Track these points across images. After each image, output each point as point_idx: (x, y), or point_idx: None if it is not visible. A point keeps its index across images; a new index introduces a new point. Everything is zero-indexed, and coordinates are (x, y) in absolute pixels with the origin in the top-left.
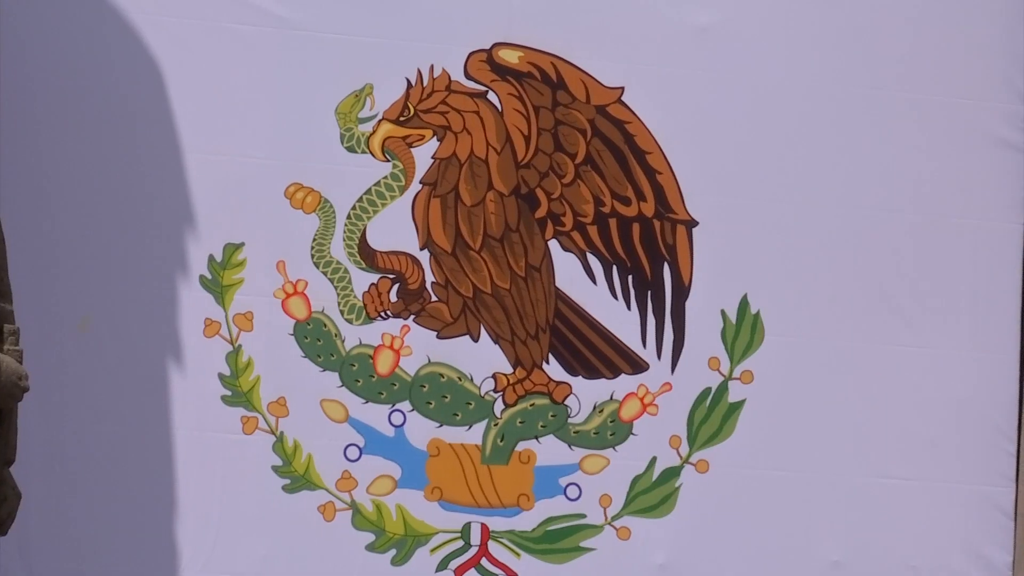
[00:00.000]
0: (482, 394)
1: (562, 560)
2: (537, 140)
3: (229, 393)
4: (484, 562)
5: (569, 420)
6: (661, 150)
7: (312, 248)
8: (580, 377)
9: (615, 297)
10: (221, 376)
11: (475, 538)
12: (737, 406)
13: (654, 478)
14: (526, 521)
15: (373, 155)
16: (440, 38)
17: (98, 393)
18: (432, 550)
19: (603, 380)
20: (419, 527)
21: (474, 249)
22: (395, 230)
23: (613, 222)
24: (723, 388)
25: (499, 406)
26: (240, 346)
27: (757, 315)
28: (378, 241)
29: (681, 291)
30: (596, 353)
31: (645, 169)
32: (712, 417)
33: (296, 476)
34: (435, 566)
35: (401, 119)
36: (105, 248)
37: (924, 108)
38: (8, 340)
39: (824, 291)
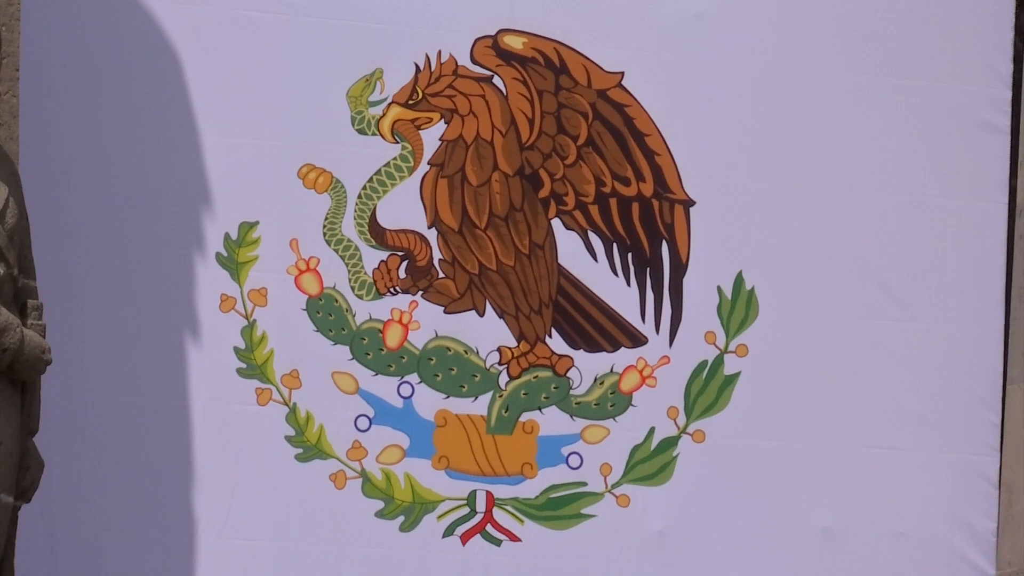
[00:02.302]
0: (487, 367)
1: (564, 526)
2: (541, 123)
3: (244, 366)
4: (489, 528)
5: (571, 392)
6: (659, 132)
7: (324, 226)
8: (581, 350)
9: (615, 274)
10: (236, 349)
11: (480, 505)
12: (732, 378)
13: (652, 448)
14: (529, 489)
15: (383, 137)
16: (447, 25)
17: (118, 366)
18: (439, 517)
19: (604, 353)
20: (426, 495)
21: (480, 228)
22: (404, 209)
23: (613, 202)
24: (719, 361)
25: (504, 378)
26: (255, 321)
27: (752, 291)
28: (388, 220)
29: (679, 268)
30: (597, 327)
31: (644, 151)
32: (708, 389)
33: (308, 446)
34: (442, 532)
35: (410, 102)
36: (125, 227)
37: (913, 93)
38: (32, 315)
39: (816, 268)
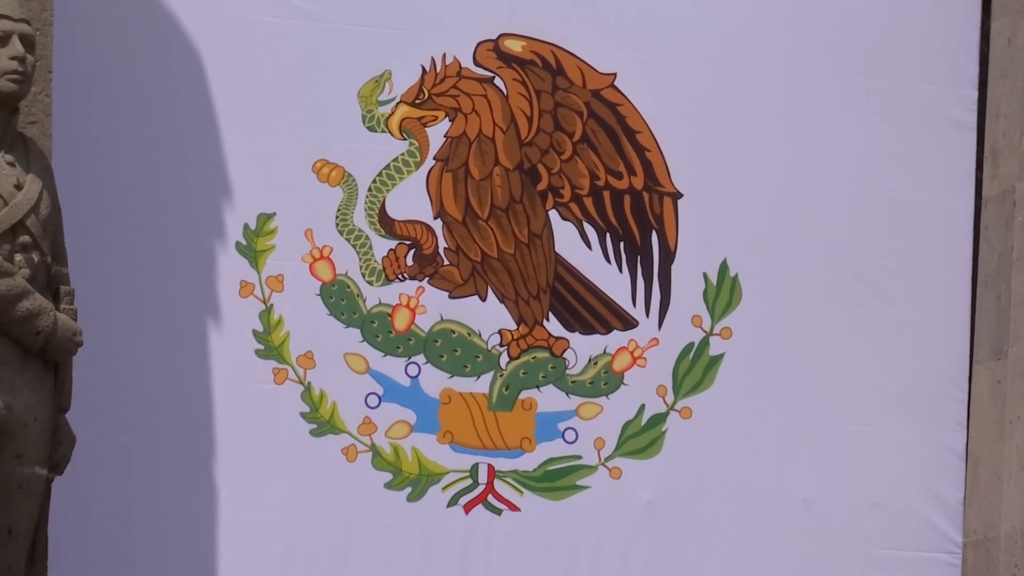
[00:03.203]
0: (489, 348)
1: (560, 497)
2: (539, 121)
3: (262, 347)
4: (490, 498)
5: (567, 371)
6: (649, 129)
7: (337, 217)
8: (577, 333)
9: (608, 261)
10: (255, 332)
11: (482, 477)
12: (717, 359)
13: (643, 423)
14: (528, 462)
15: (391, 134)
16: (451, 29)
17: (144, 348)
18: (444, 488)
19: (597, 335)
20: (432, 467)
21: (482, 218)
22: (411, 201)
23: (607, 194)
24: (705, 343)
25: (504, 359)
26: (272, 305)
27: (735, 278)
28: (396, 211)
29: (667, 256)
30: (591, 311)
31: (635, 146)
32: (695, 369)
33: (322, 422)
34: (446, 502)
35: (417, 102)
36: (151, 217)
37: (887, 93)
38: (64, 300)
39: (796, 257)
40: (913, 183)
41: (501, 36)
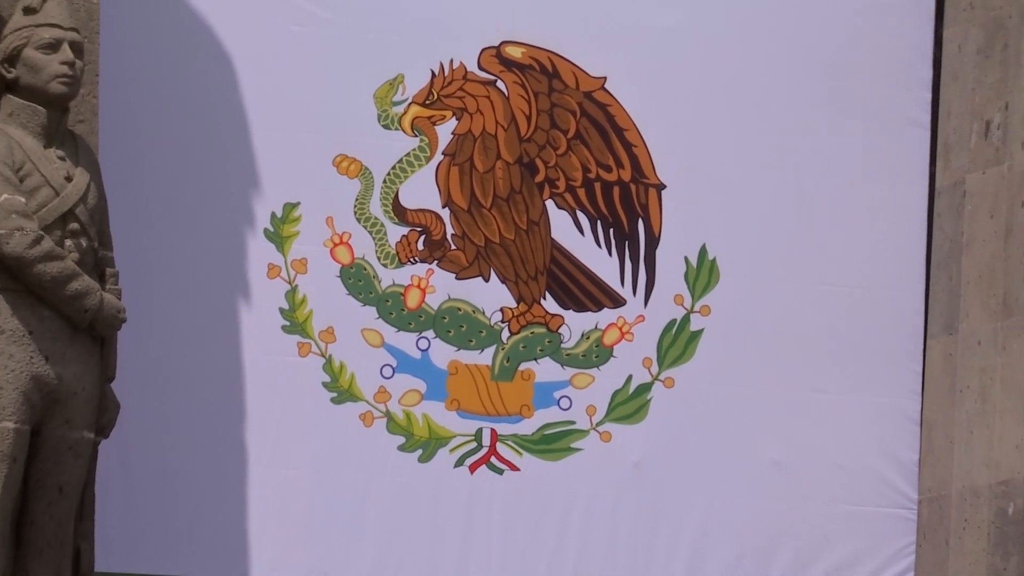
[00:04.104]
0: (492, 324)
1: (556, 458)
2: (536, 119)
3: (287, 324)
4: (493, 460)
5: (562, 345)
6: (636, 127)
7: (355, 206)
8: (571, 310)
9: (599, 246)
10: (281, 310)
11: (486, 440)
12: (697, 334)
13: (630, 392)
14: (527, 427)
15: (404, 131)
16: (458, 36)
17: (182, 324)
18: (451, 450)
19: (589, 313)
20: (441, 432)
21: (485, 207)
22: (422, 192)
23: (598, 185)
24: (686, 319)
25: (505, 334)
26: (296, 286)
27: (714, 261)
28: (408, 201)
29: (652, 241)
30: (584, 291)
31: (623, 143)
32: (677, 343)
33: (341, 390)
34: (453, 463)
35: (427, 102)
36: (187, 206)
37: (849, 94)
38: (109, 281)
39: (768, 242)
40: (873, 175)
41: (503, 43)
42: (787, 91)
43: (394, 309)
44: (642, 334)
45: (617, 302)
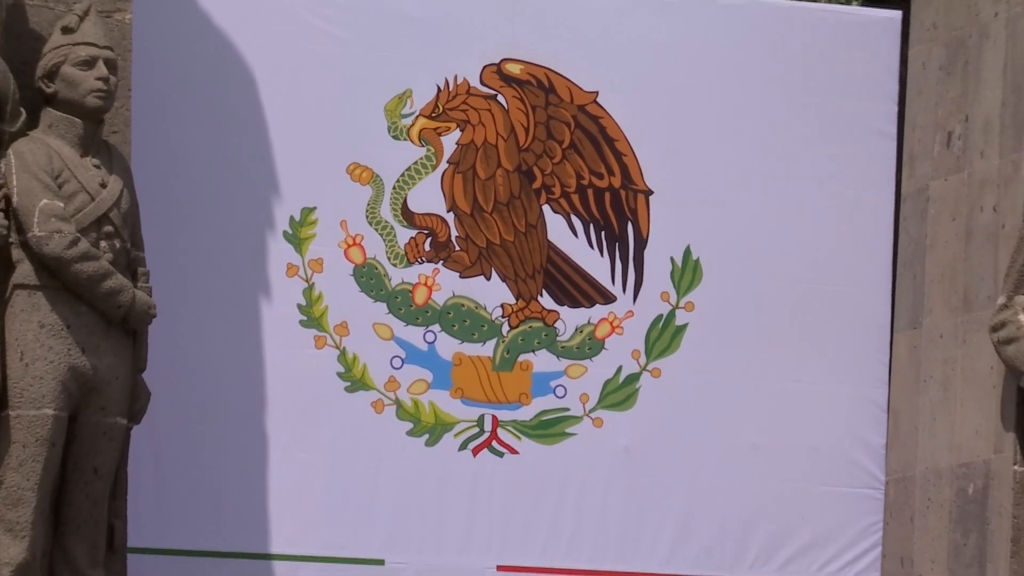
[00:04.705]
0: (493, 319)
1: (552, 442)
2: (534, 131)
3: (305, 318)
4: (494, 444)
5: (557, 338)
6: (626, 138)
7: (366, 211)
8: (566, 306)
9: (592, 247)
10: (299, 306)
11: (487, 426)
12: (682, 328)
13: (620, 381)
14: (525, 413)
15: (412, 142)
16: (462, 54)
17: (207, 319)
18: (455, 435)
19: (583, 308)
20: (446, 418)
21: (487, 211)
22: (428, 197)
23: (590, 191)
24: (672, 315)
25: (505, 328)
26: (313, 283)
27: (697, 261)
28: (416, 205)
29: (640, 242)
30: (577, 288)
31: (614, 152)
32: (663, 336)
33: (354, 380)
34: (458, 447)
35: (433, 115)
36: (213, 211)
37: (822, 107)
38: (141, 279)
39: (747, 243)
40: (844, 182)
41: (503, 60)
42: (765, 105)
43: (403, 305)
44: (631, 328)
45: (608, 299)
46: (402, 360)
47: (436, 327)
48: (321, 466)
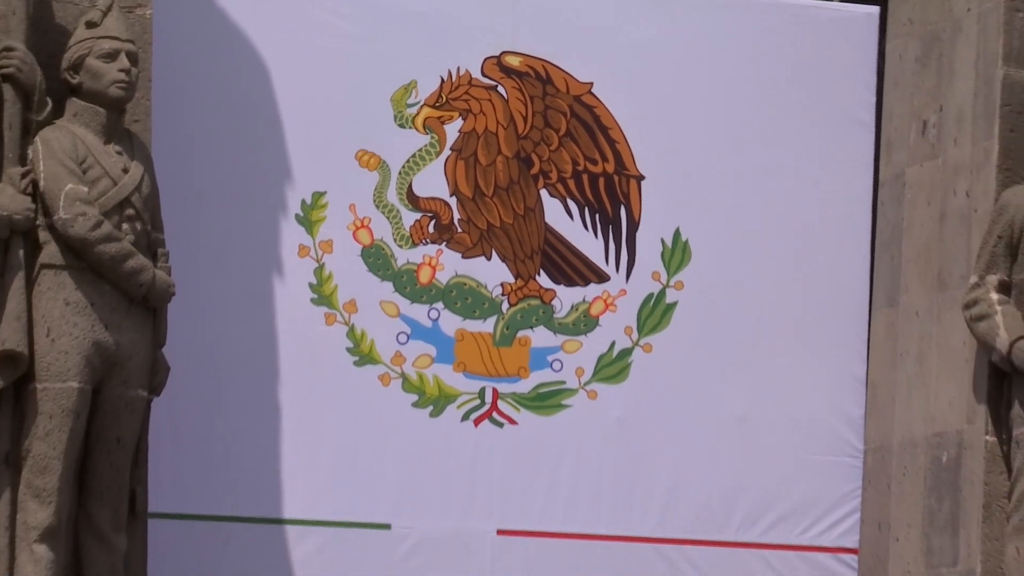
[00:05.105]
0: (493, 297)
1: (549, 413)
2: (532, 119)
3: (316, 297)
4: (494, 415)
5: (554, 315)
6: (619, 126)
7: (374, 195)
8: (562, 285)
9: (586, 229)
10: (310, 285)
11: (488, 398)
12: (672, 306)
13: (614, 356)
14: (524, 386)
15: (417, 130)
16: (464, 48)
17: (223, 297)
18: (458, 407)
19: (578, 287)
20: (449, 391)
21: (488, 195)
22: (432, 182)
23: (585, 177)
24: (662, 293)
25: (505, 305)
26: (323, 264)
27: (686, 242)
28: (420, 190)
29: (633, 225)
30: (573, 268)
31: (607, 139)
32: (654, 313)
33: (363, 355)
34: (460, 418)
35: (437, 104)
36: (229, 195)
37: (804, 97)
38: (161, 259)
39: (734, 226)
40: (825, 168)
41: (503, 53)
42: (750, 95)
43: (408, 284)
44: (624, 306)
45: (602, 278)
46: (407, 336)
47: (440, 305)
48: (331, 436)
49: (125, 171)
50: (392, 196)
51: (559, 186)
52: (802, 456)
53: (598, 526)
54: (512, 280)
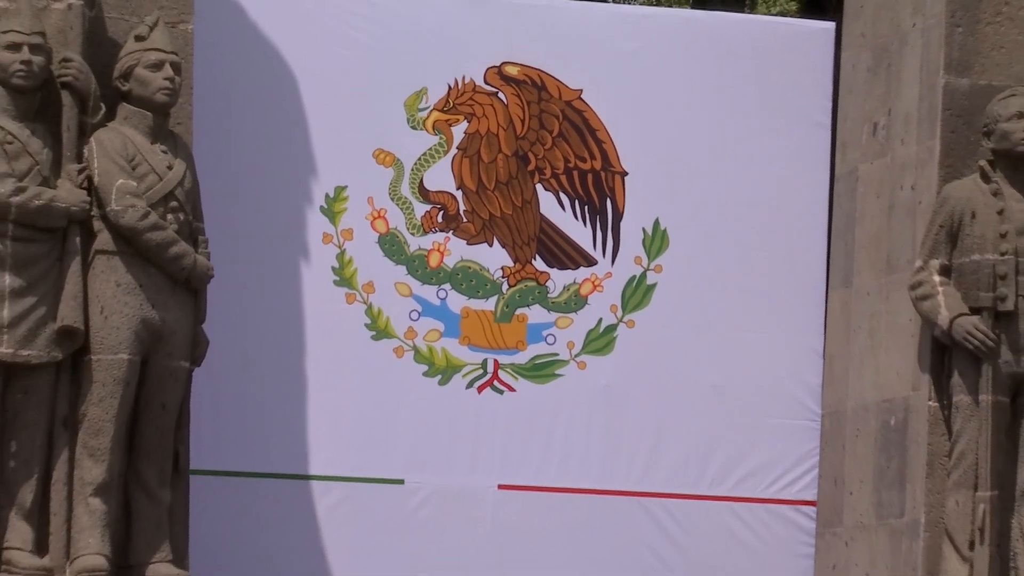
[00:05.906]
0: (494, 279)
1: (543, 382)
2: (529, 122)
3: (337, 279)
4: (495, 383)
5: (548, 295)
6: (605, 128)
7: (389, 189)
8: (555, 268)
9: (577, 219)
10: (333, 268)
11: (490, 368)
12: (652, 287)
13: (601, 331)
14: (522, 358)
15: (427, 131)
16: (469, 59)
17: (256, 280)
18: (463, 376)
19: (569, 270)
20: (455, 362)
21: (490, 189)
22: (441, 177)
23: (575, 173)
24: (643, 276)
25: (505, 286)
26: (344, 250)
27: (665, 231)
28: (430, 184)
29: (617, 215)
30: (565, 254)
31: (595, 140)
32: (637, 293)
33: (379, 330)
34: (465, 386)
35: (445, 109)
36: (262, 189)
37: (768, 102)
38: (201, 246)
39: (707, 216)
40: (787, 165)
41: (503, 63)
42: (722, 100)
43: (419, 268)
44: (610, 287)
45: (591, 262)
46: (419, 313)
47: (447, 286)
48: (350, 402)
49: (169, 168)
50: (405, 190)
51: (552, 181)
52: (767, 419)
53: (587, 481)
54: (511, 264)
